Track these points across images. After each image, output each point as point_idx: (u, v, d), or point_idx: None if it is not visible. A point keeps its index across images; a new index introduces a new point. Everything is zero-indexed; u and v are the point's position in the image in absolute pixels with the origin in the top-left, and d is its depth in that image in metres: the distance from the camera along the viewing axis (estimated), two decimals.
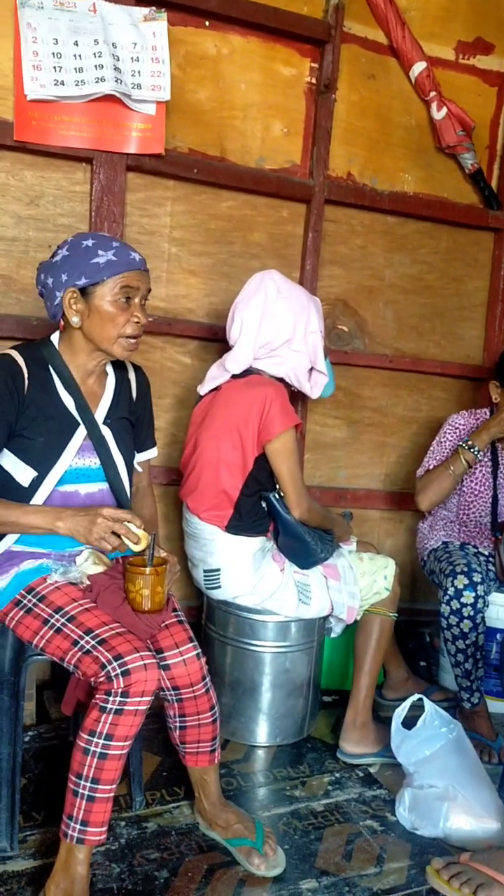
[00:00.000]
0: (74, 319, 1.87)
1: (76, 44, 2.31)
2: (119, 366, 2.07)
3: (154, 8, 2.41)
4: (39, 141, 2.40)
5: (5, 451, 1.85)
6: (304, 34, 2.73)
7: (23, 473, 1.85)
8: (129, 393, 2.07)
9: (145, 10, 2.40)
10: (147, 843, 1.98)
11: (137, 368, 2.14)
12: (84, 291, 1.85)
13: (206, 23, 2.62)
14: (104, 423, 1.96)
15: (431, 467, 2.67)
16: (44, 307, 1.98)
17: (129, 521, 1.76)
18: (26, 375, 1.85)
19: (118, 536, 1.77)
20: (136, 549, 1.77)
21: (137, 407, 2.09)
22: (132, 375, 2.09)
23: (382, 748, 2.38)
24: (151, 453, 2.19)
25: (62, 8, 2.33)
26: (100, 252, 1.84)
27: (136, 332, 1.89)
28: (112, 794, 1.69)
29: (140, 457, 2.14)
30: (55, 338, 1.96)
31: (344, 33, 2.78)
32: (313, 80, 2.81)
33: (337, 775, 2.36)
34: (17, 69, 2.33)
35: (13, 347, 1.91)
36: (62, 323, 1.92)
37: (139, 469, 2.15)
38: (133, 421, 2.07)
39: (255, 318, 2.32)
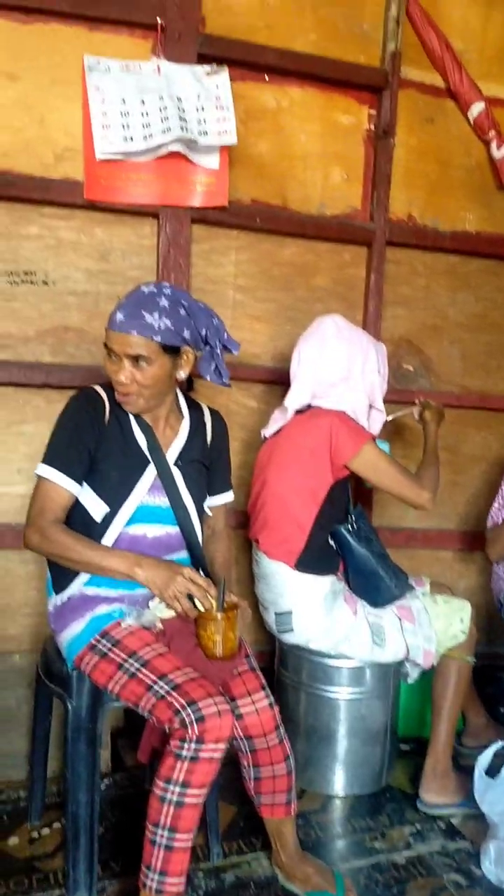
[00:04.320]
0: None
1: (143, 102, 2.39)
2: (195, 408, 2.10)
3: (215, 64, 2.49)
4: (108, 199, 2.49)
5: (84, 484, 1.89)
6: (362, 83, 2.78)
7: (97, 508, 1.88)
8: (205, 436, 2.09)
9: (207, 67, 2.49)
10: (225, 895, 1.95)
11: (214, 412, 2.16)
12: None
13: (266, 77, 2.69)
14: (175, 464, 1.98)
15: (500, 520, 2.62)
16: None
17: (206, 588, 1.78)
18: (107, 408, 1.91)
19: (191, 599, 1.78)
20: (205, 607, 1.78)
21: (212, 451, 2.11)
22: (208, 419, 2.12)
23: (464, 798, 2.31)
24: (227, 497, 2.19)
25: (128, 71, 2.43)
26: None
27: (118, 390, 1.88)
28: (190, 844, 1.68)
29: (215, 500, 2.15)
30: None
31: (401, 79, 2.82)
32: (372, 127, 2.85)
33: (418, 826, 2.28)
34: (86, 132, 2.43)
35: (99, 384, 1.96)
36: None
37: (210, 513, 2.16)
38: (207, 465, 2.08)
39: (314, 355, 2.35)
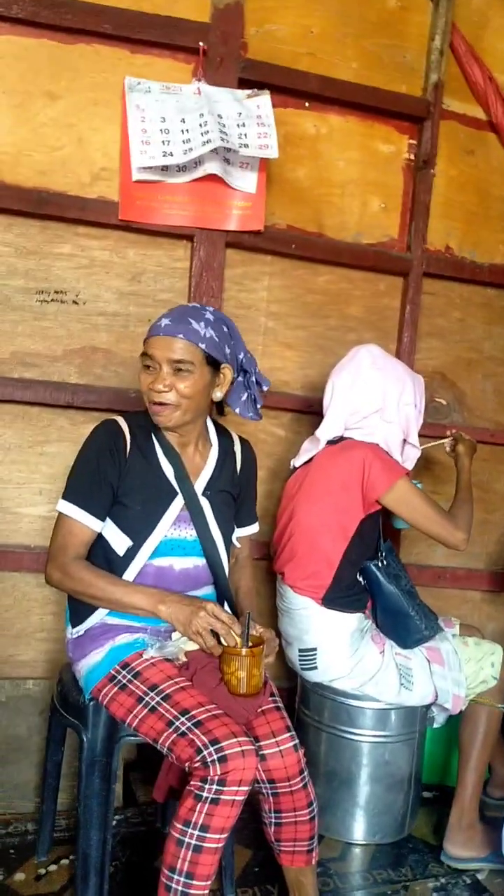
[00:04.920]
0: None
1: (183, 121, 2.37)
2: (225, 436, 2.04)
3: (256, 89, 2.48)
4: (143, 220, 2.46)
5: (107, 519, 1.83)
6: (403, 112, 2.75)
7: (119, 542, 1.83)
8: (234, 465, 2.03)
9: (248, 91, 2.47)
10: None
11: (244, 441, 2.10)
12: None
13: (306, 104, 2.67)
14: (203, 494, 1.92)
15: None
16: None
17: (230, 625, 1.71)
18: (128, 441, 1.85)
19: (215, 636, 1.71)
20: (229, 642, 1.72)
21: (241, 480, 2.05)
22: (237, 448, 2.06)
23: (491, 852, 2.20)
24: (252, 528, 2.13)
25: (168, 92, 2.41)
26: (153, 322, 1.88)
27: (157, 401, 1.83)
28: (207, 892, 1.59)
29: (241, 532, 2.09)
30: None
31: (443, 110, 2.79)
32: (411, 157, 2.82)
33: (442, 881, 2.18)
34: (123, 152, 2.41)
35: (120, 414, 1.92)
36: None
37: (237, 544, 2.09)
38: (235, 495, 2.02)
39: (347, 386, 2.29)
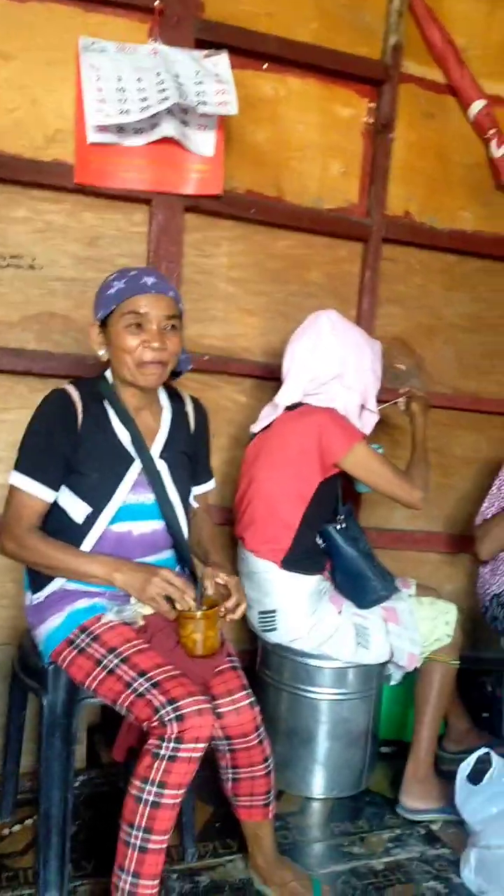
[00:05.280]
0: (101, 353, 1.88)
1: (139, 80, 2.33)
2: (176, 399, 2.05)
3: (213, 50, 2.44)
4: (99, 183, 2.43)
5: (63, 487, 1.84)
6: (362, 75, 2.73)
7: (78, 510, 1.83)
8: (187, 426, 2.04)
9: (205, 51, 2.43)
10: None
11: (195, 400, 2.11)
12: (103, 324, 1.85)
13: (265, 65, 2.64)
14: (160, 457, 1.93)
15: (489, 516, 2.59)
16: None
17: (183, 590, 1.73)
18: (80, 409, 1.83)
19: (170, 601, 1.74)
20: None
21: (195, 440, 2.06)
22: (190, 408, 2.07)
23: (445, 804, 2.27)
24: (208, 486, 2.15)
25: (124, 52, 2.37)
26: (114, 283, 1.83)
27: (154, 359, 1.82)
28: (165, 846, 1.63)
29: (197, 490, 2.10)
30: (108, 373, 1.95)
31: (402, 73, 2.77)
32: (371, 120, 2.81)
33: (397, 832, 2.25)
34: (78, 114, 2.37)
35: (70, 382, 1.90)
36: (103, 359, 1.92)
37: (195, 504, 2.11)
38: (190, 455, 2.04)
39: (307, 351, 2.30)
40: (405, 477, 2.31)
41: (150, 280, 1.83)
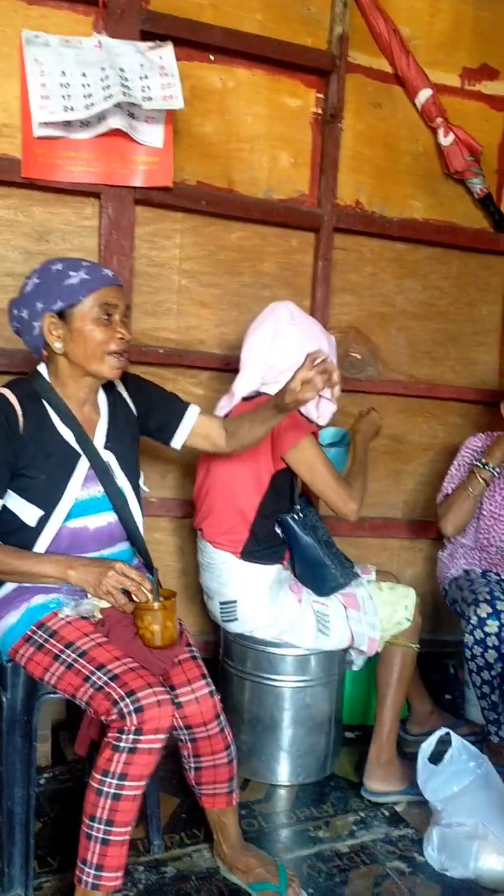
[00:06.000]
0: (57, 346, 1.82)
1: (84, 74, 2.32)
2: (109, 386, 2.01)
3: (158, 41, 2.43)
4: (47, 177, 2.41)
5: (9, 492, 1.81)
6: (309, 65, 2.74)
7: (29, 513, 1.81)
8: (125, 404, 2.02)
9: (150, 43, 2.42)
10: (166, 888, 1.91)
11: (123, 377, 2.02)
12: (62, 315, 1.80)
13: (211, 57, 2.64)
14: (105, 448, 1.91)
15: (450, 491, 2.63)
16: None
17: (139, 582, 1.74)
18: (20, 414, 1.80)
19: (127, 594, 1.74)
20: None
21: (140, 403, 2.04)
22: (120, 387, 2.03)
23: (408, 785, 2.30)
24: (195, 410, 2.09)
25: (68, 45, 2.36)
26: (71, 273, 1.80)
27: (121, 348, 1.83)
28: (127, 838, 1.63)
29: (191, 422, 2.07)
30: (42, 368, 1.91)
31: (348, 63, 2.79)
32: (319, 111, 2.82)
33: (362, 815, 2.28)
34: (23, 107, 2.35)
35: (4, 385, 1.85)
36: (45, 353, 1.88)
37: (205, 432, 2.09)
38: (138, 434, 2.03)
39: (265, 341, 2.31)
40: (345, 485, 2.31)
41: (108, 272, 1.84)
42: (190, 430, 2.08)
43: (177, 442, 2.09)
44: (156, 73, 2.37)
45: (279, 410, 1.86)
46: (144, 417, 2.05)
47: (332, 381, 1.75)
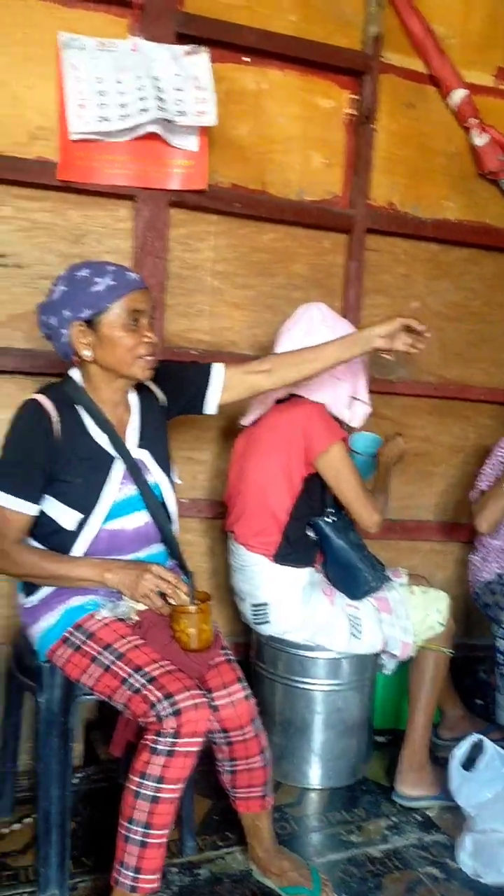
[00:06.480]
0: (87, 353, 1.83)
1: (119, 81, 2.33)
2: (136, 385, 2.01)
3: (195, 45, 2.44)
4: (83, 180, 2.43)
5: (47, 496, 1.83)
6: (343, 66, 2.73)
7: (67, 517, 1.82)
8: (151, 395, 2.02)
9: (186, 47, 2.43)
10: (200, 890, 1.92)
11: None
12: (90, 323, 1.81)
13: (245, 59, 2.64)
14: (139, 447, 1.92)
15: (485, 488, 2.62)
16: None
17: (176, 584, 1.74)
18: (54, 419, 1.81)
19: (163, 597, 1.75)
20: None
21: (165, 385, 2.03)
22: (148, 382, 2.02)
23: (440, 791, 2.29)
24: (219, 367, 2.06)
25: (104, 48, 2.37)
26: (97, 279, 1.80)
27: (150, 352, 1.85)
28: (165, 840, 1.64)
29: (219, 381, 2.04)
30: (74, 373, 1.92)
31: (382, 63, 2.78)
32: (352, 112, 2.81)
33: (394, 819, 2.27)
34: (60, 110, 2.36)
35: (39, 391, 1.87)
36: (75, 359, 1.88)
37: (235, 384, 2.06)
38: (176, 403, 2.04)
39: (298, 343, 2.30)
40: (370, 496, 2.31)
41: (133, 275, 1.84)
42: (221, 388, 2.05)
43: (211, 406, 2.07)
44: (190, 85, 2.39)
45: (364, 340, 2.00)
46: (173, 397, 2.04)
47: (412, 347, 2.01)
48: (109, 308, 1.80)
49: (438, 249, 3.04)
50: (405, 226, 2.92)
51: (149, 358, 1.85)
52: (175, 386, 2.05)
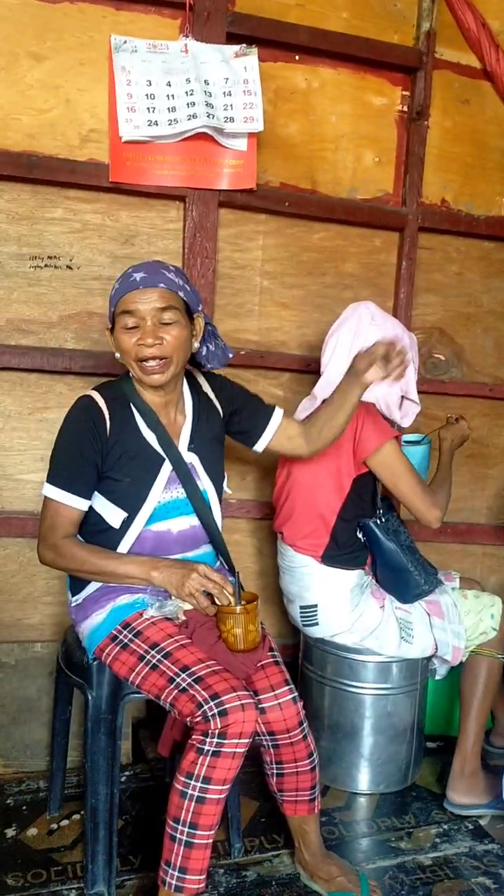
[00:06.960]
0: (117, 355, 1.87)
1: (169, 84, 2.34)
2: (192, 383, 2.02)
3: (245, 45, 2.43)
4: (134, 181, 2.44)
5: (96, 493, 1.84)
6: (395, 63, 2.69)
7: (113, 515, 1.84)
8: (211, 404, 2.01)
9: (236, 48, 2.42)
10: (247, 893, 1.91)
11: (207, 374, 2.06)
12: (112, 327, 1.86)
13: (296, 57, 2.62)
14: (189, 450, 1.92)
15: None
16: None
17: (222, 585, 1.74)
18: (107, 416, 1.83)
19: (209, 596, 1.74)
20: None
21: (226, 404, 2.03)
22: (207, 388, 2.03)
23: (493, 799, 2.24)
24: (279, 413, 2.07)
25: (155, 51, 2.38)
26: (117, 283, 1.84)
27: (146, 355, 1.79)
28: (211, 841, 1.64)
29: (275, 426, 2.05)
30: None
31: (436, 59, 2.73)
32: (405, 108, 2.77)
33: (445, 827, 2.22)
34: (111, 113, 2.38)
35: (95, 388, 1.89)
36: None
37: (288, 435, 2.06)
38: (223, 436, 2.03)
39: (347, 343, 2.28)
40: (429, 491, 2.27)
41: (139, 275, 1.80)
42: (273, 433, 2.06)
43: (260, 445, 2.07)
44: (239, 88, 2.39)
45: (355, 380, 1.94)
46: (230, 419, 2.04)
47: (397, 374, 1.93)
48: (115, 311, 1.83)
49: (492, 247, 2.97)
50: (458, 223, 2.87)
51: (151, 363, 1.81)
52: (235, 409, 2.04)
